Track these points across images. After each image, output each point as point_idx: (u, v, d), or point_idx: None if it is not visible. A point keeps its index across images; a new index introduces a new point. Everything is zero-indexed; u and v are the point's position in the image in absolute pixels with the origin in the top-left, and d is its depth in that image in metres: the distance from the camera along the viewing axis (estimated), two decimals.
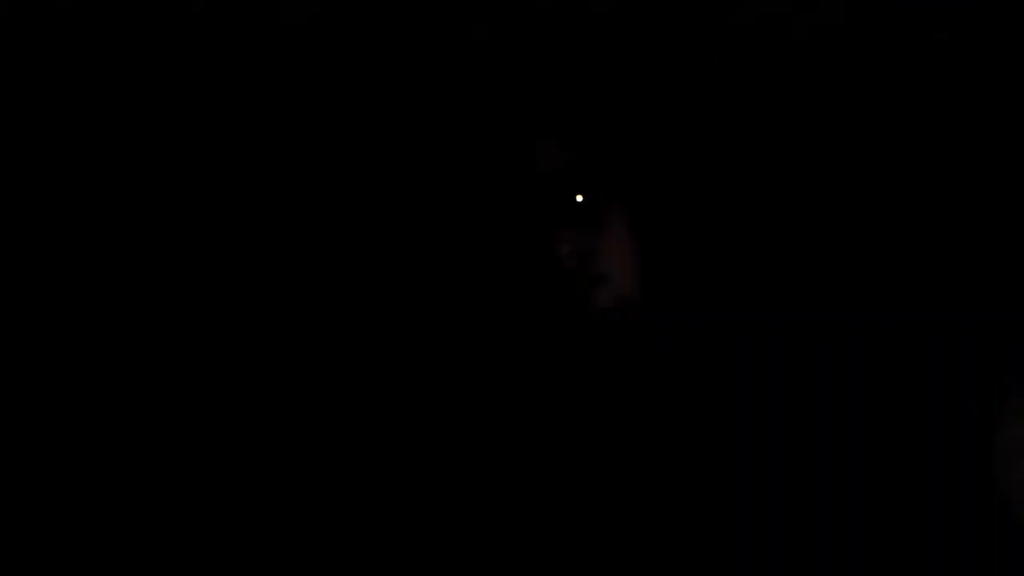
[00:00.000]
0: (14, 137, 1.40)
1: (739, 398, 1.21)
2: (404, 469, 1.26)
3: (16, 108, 1.40)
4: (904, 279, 1.28)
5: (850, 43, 1.37)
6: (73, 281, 1.42)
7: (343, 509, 1.31)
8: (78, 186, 1.45)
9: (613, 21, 1.39)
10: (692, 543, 1.16)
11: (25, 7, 1.34)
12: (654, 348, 1.23)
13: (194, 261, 1.42)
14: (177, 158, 1.43)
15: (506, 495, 1.20)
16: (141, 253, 1.45)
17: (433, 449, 1.27)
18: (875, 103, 1.40)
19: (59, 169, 1.44)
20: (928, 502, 1.19)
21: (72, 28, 1.40)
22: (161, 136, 1.44)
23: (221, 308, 1.41)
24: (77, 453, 1.36)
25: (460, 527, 1.22)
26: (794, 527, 1.16)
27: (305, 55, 1.46)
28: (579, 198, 1.20)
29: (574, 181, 1.20)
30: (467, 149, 1.23)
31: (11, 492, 1.34)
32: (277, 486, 1.39)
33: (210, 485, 1.34)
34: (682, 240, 1.33)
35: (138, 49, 1.44)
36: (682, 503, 1.17)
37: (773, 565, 1.14)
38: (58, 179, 1.44)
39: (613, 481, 1.18)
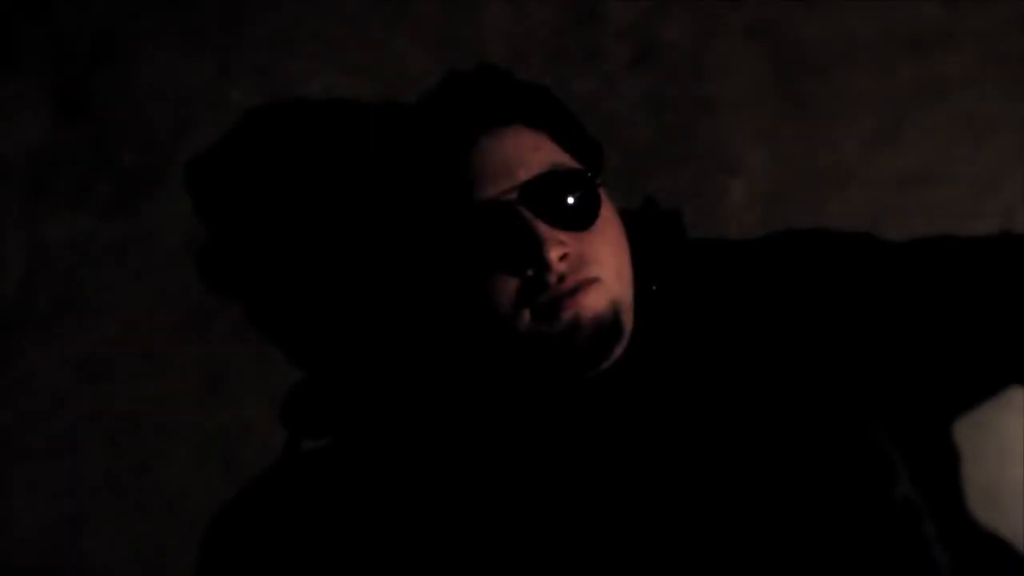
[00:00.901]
0: None
1: (739, 398, 1.20)
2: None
3: None
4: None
5: None
6: None
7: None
8: None
9: None
10: (693, 543, 1.15)
11: None
12: (651, 347, 1.23)
13: None
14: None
15: (505, 496, 1.20)
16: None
17: (425, 443, 1.26)
18: None
19: None
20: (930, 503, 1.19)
21: None
22: None
23: None
24: None
25: (458, 526, 1.21)
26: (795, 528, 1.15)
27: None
28: (571, 200, 1.18)
29: (566, 182, 1.19)
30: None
31: None
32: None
33: None
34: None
35: None
36: (683, 504, 1.16)
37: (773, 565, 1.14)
38: None
39: (613, 482, 1.18)
